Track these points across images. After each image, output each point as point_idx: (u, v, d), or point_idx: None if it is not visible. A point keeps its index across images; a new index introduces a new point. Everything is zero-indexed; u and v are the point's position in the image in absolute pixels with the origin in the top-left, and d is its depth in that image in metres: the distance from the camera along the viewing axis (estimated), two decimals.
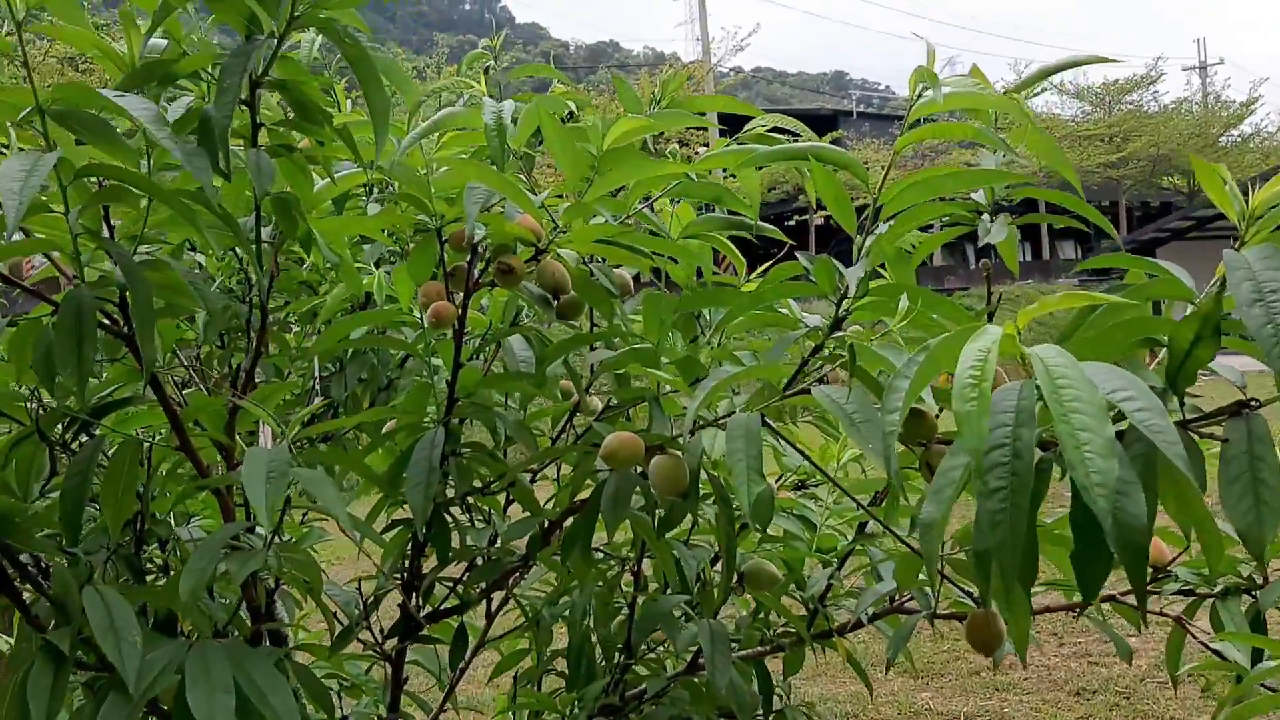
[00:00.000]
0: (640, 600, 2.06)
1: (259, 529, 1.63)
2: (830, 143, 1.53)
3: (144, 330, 1.46)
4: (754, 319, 1.62)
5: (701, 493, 1.58)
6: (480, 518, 2.12)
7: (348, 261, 1.85)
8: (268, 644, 1.87)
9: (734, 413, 1.42)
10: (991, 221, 1.71)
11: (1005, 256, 1.85)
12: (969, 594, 1.78)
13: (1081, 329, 1.15)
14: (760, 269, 1.81)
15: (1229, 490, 1.04)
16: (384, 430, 1.86)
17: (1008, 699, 5.48)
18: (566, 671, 2.16)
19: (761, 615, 2.10)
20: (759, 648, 2.04)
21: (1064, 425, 0.93)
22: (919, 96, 1.43)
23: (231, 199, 1.79)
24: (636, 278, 1.88)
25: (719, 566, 2.11)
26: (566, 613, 2.13)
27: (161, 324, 1.86)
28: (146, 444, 1.71)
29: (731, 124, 1.91)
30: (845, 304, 1.52)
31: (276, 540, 1.62)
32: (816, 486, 2.19)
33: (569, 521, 1.78)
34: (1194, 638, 1.64)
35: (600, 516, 1.53)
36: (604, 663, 2.08)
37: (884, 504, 1.92)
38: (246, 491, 1.41)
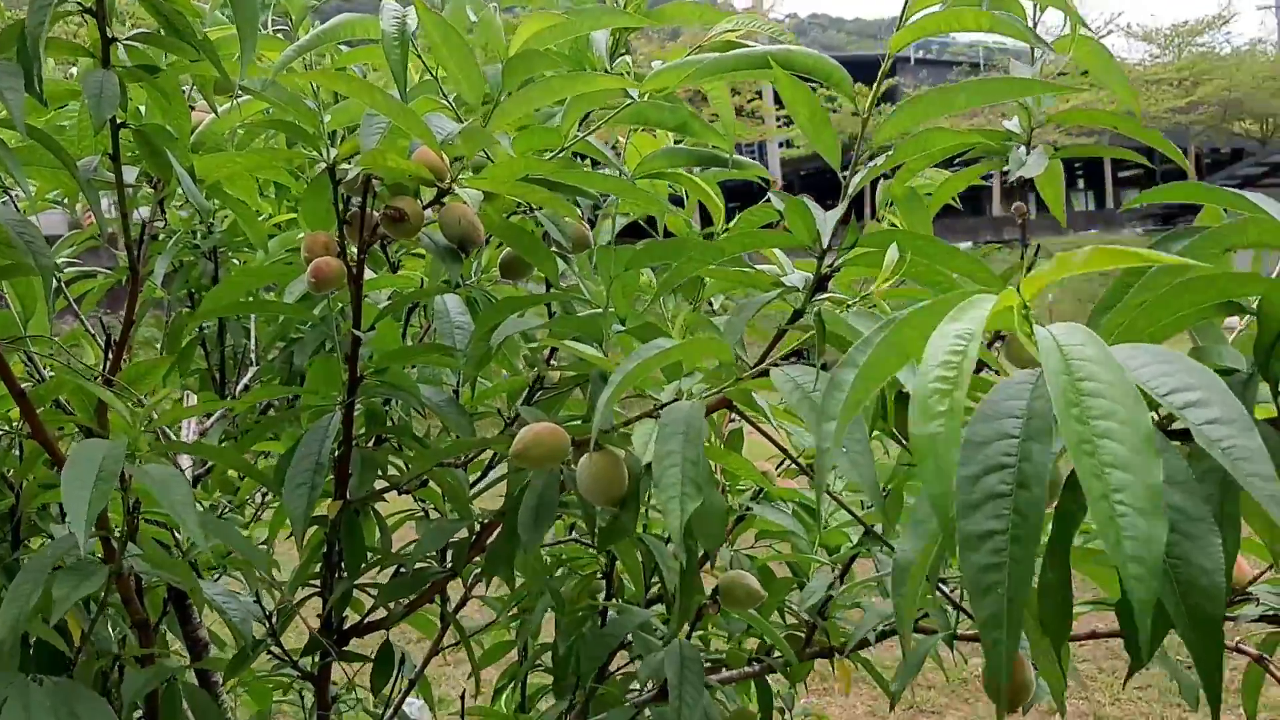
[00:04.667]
0: (611, 605, 1.75)
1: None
2: (885, 91, 1.18)
3: None
4: (721, 278, 1.28)
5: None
6: (433, 507, 1.82)
7: (244, 206, 1.54)
8: (174, 663, 1.59)
9: (678, 399, 1.10)
10: (1028, 153, 1.36)
11: (1048, 199, 1.49)
12: None
13: (1134, 292, 0.80)
14: (738, 218, 1.47)
15: None
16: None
17: None
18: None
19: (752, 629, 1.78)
20: (747, 668, 1.72)
21: (1086, 459, 0.59)
22: None
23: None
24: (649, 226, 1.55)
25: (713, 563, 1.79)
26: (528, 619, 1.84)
27: (19, 283, 1.56)
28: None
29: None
30: (829, 258, 1.18)
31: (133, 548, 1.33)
32: None
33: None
34: (1276, 679, 1.29)
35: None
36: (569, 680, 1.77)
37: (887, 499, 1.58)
38: (64, 495, 1.11)
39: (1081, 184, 43.11)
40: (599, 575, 1.77)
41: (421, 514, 1.83)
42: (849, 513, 1.27)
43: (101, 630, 1.45)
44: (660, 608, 1.78)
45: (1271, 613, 1.34)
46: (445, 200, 1.26)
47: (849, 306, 1.01)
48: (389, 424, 1.62)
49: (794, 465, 1.93)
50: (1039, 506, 0.65)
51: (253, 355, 2.16)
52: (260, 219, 1.95)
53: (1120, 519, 0.58)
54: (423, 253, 1.92)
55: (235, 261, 2.46)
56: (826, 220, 1.06)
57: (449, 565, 1.53)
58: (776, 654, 1.81)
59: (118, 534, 1.34)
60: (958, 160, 1.36)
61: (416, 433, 1.69)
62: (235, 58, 1.45)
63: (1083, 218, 32.46)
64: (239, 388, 2.11)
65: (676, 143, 1.58)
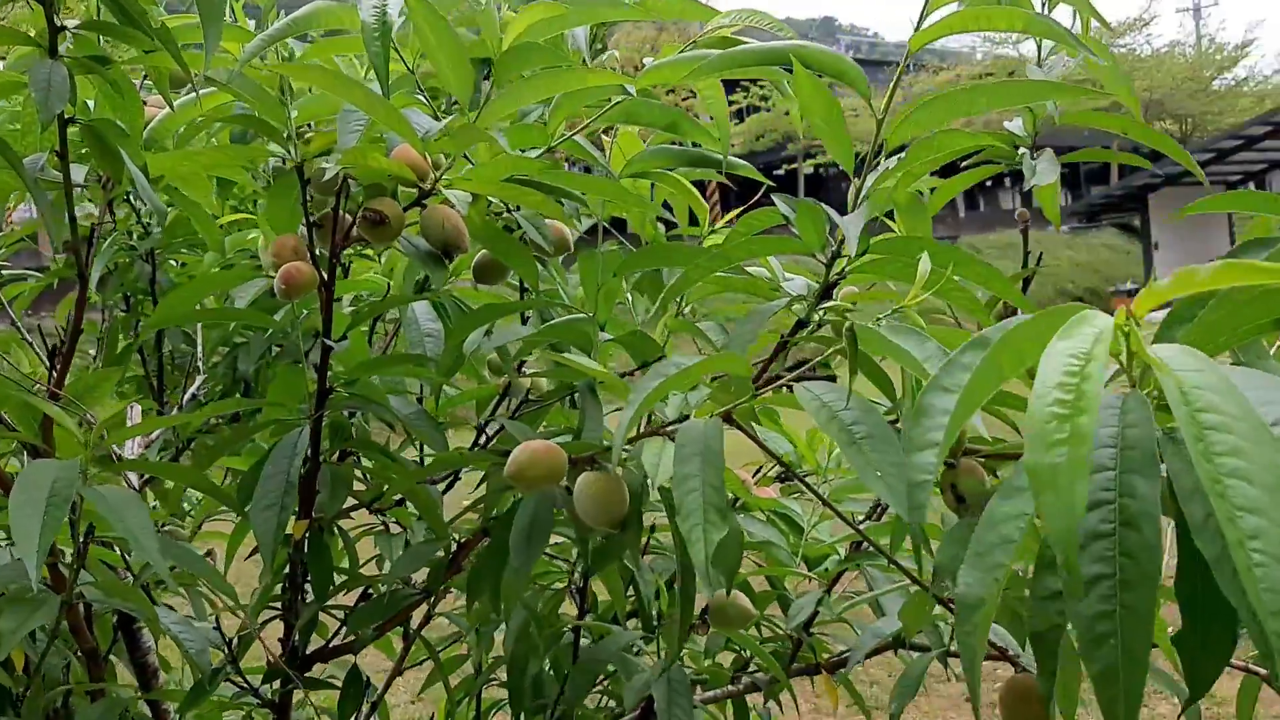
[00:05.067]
0: (586, 624, 1.67)
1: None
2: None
3: None
4: (717, 285, 1.22)
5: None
6: (395, 521, 1.73)
7: (199, 208, 1.44)
8: (126, 694, 1.49)
9: (687, 417, 1.03)
10: (1035, 157, 1.31)
11: (1045, 204, 1.45)
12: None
13: (1211, 307, 0.74)
14: (727, 217, 1.40)
15: None
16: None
17: None
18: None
19: (732, 644, 1.71)
20: (730, 687, 1.66)
21: (1218, 500, 0.53)
22: None
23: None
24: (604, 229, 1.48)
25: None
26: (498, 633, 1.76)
27: None
28: None
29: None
30: (838, 264, 1.12)
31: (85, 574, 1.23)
32: (806, 476, 1.80)
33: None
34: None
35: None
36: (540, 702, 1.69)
37: (885, 516, 1.53)
38: (11, 522, 1.02)
39: (1008, 182, 43.77)
40: (574, 591, 1.69)
41: (381, 528, 1.75)
42: (852, 527, 1.21)
43: (50, 660, 1.35)
44: (636, 621, 1.72)
45: None
46: (427, 202, 1.18)
47: (880, 319, 0.94)
48: (350, 437, 1.54)
49: (771, 474, 1.89)
50: (1151, 550, 0.60)
51: (199, 363, 2.05)
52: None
53: (1257, 569, 0.52)
54: (371, 254, 1.83)
55: (172, 263, 2.36)
56: (850, 225, 1.00)
57: (421, 586, 1.44)
58: (754, 669, 1.75)
59: (68, 560, 1.24)
60: (965, 162, 1.31)
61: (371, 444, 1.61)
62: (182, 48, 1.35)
63: (1009, 215, 32.89)
64: (185, 397, 2.00)
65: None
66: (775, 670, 1.50)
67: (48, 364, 1.99)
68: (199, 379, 1.99)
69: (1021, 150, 1.33)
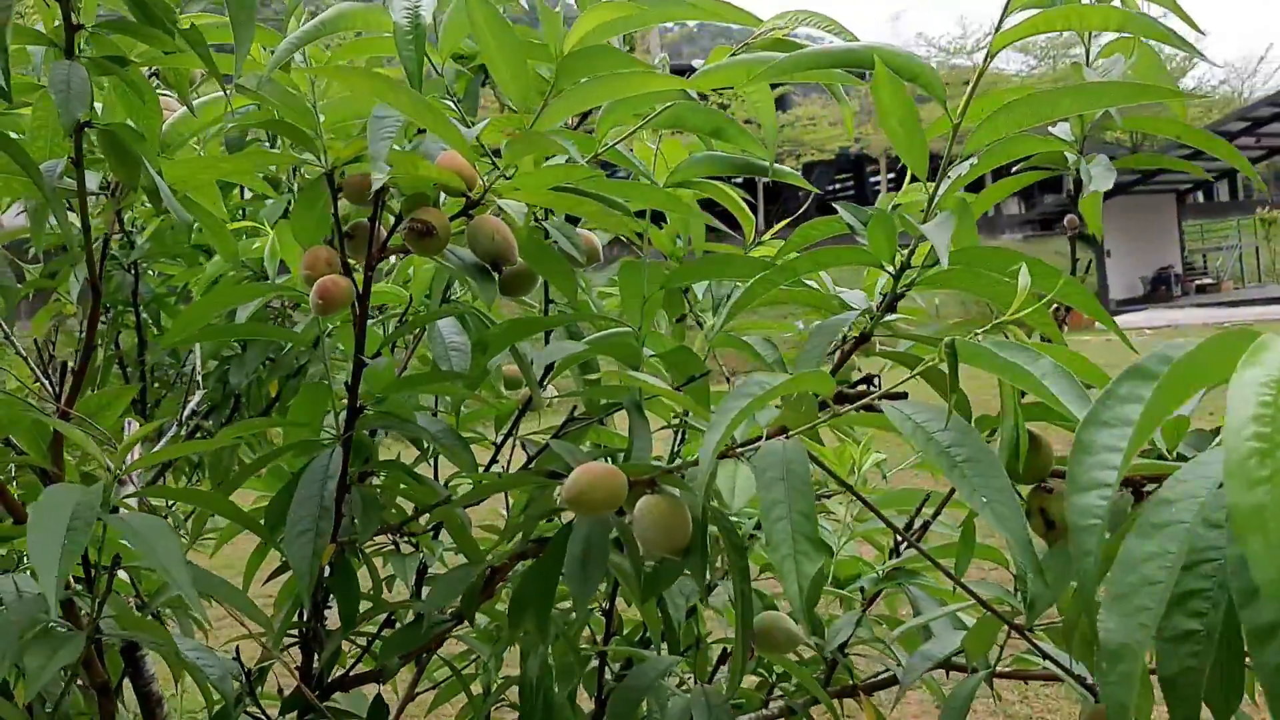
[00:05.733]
0: (612, 648, 1.62)
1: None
2: (778, 98, 1.09)
3: None
4: (770, 296, 1.17)
5: None
6: (407, 541, 1.66)
7: (213, 218, 1.37)
8: None
9: (761, 438, 0.98)
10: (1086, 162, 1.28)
11: (1088, 214, 1.41)
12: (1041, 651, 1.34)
13: None
14: (776, 227, 1.35)
15: None
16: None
17: None
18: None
19: (761, 667, 1.66)
20: (763, 711, 1.60)
21: None
22: None
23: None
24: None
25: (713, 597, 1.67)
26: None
27: None
28: None
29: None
30: (907, 276, 1.07)
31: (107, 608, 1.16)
32: (829, 497, 1.75)
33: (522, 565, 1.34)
34: None
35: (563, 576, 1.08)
36: None
37: (930, 528, 1.49)
38: (30, 551, 0.95)
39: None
40: (600, 613, 1.64)
41: (392, 548, 1.68)
42: (917, 548, 1.16)
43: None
44: (665, 646, 1.66)
45: None
46: (473, 213, 1.12)
47: (976, 334, 0.90)
48: (370, 458, 1.47)
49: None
50: None
51: (198, 378, 1.98)
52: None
53: None
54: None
55: (151, 273, 2.29)
56: (937, 235, 0.95)
57: (452, 612, 1.38)
58: (779, 694, 1.70)
59: (81, 591, 1.17)
60: (1016, 167, 1.28)
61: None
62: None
63: (980, 220, 32.99)
64: (184, 413, 1.93)
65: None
66: (818, 692, 1.45)
67: (41, 378, 1.91)
68: (198, 394, 1.92)
69: (1071, 156, 1.29)
